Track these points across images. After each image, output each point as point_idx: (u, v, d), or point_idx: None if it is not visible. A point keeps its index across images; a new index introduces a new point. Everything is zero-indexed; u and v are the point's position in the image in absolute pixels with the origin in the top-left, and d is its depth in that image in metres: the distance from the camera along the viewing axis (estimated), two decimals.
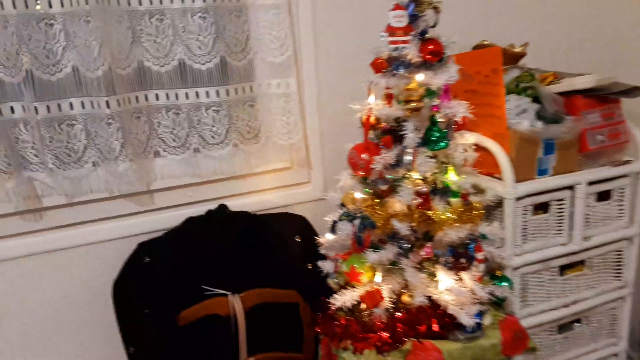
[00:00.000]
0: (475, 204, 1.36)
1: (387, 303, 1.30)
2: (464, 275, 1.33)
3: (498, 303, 1.43)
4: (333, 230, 1.39)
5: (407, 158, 1.26)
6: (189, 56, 1.38)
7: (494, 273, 1.44)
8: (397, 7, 1.25)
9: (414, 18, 1.27)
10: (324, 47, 1.59)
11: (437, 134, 1.28)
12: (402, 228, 1.24)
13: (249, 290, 1.54)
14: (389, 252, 1.30)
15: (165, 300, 1.45)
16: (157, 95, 1.41)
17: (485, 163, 1.51)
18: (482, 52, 1.52)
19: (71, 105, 1.31)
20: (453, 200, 1.32)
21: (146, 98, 1.40)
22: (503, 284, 1.41)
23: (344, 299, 1.35)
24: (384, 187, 1.28)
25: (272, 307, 1.60)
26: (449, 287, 1.27)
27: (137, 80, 1.38)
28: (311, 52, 1.57)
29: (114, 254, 1.48)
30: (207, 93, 1.42)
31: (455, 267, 1.32)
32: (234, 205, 1.58)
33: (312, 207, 1.72)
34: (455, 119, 1.29)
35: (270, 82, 1.50)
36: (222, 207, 1.56)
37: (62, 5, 1.23)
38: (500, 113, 1.47)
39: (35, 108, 1.26)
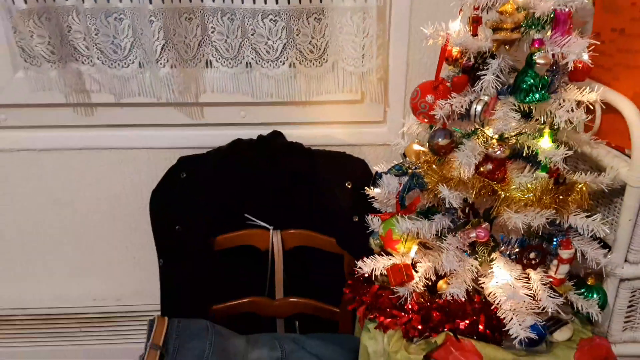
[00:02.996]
0: (578, 186, 0.99)
1: (418, 284, 1.04)
2: (533, 274, 1.01)
3: (587, 318, 1.08)
4: (374, 182, 1.14)
5: (476, 107, 0.93)
6: None
7: (584, 280, 1.08)
8: None
9: None
10: None
11: (531, 81, 0.92)
12: (451, 197, 0.95)
13: (289, 228, 1.40)
14: (433, 225, 1.02)
15: (198, 220, 1.37)
16: None
17: (616, 132, 1.10)
18: None
19: None
20: (540, 175, 0.97)
21: None
22: (592, 296, 1.05)
23: (374, 265, 1.12)
24: (443, 142, 0.98)
25: (315, 253, 1.44)
26: (502, 285, 0.97)
27: None
28: None
29: (163, 163, 1.43)
30: None
31: (520, 261, 1.00)
32: (291, 134, 1.40)
33: (385, 152, 1.47)
34: (566, 61, 0.91)
35: None
36: (275, 134, 1.39)
37: None
38: None
39: None
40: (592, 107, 1.11)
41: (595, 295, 1.05)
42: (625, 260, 1.10)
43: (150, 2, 1.17)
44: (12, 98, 1.34)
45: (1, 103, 1.34)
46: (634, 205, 1.04)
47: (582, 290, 1.06)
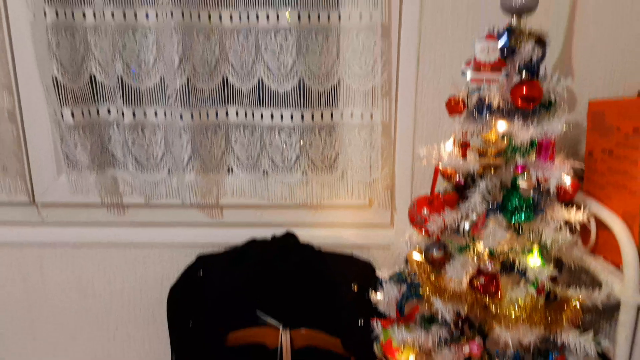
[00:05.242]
0: (572, 303, 1.02)
1: None
2: None
3: None
4: (376, 289, 1.20)
5: (464, 225, 1.00)
6: (268, 75, 1.33)
7: None
8: (489, 36, 1.01)
9: (509, 52, 1.01)
10: (425, 75, 1.39)
11: (516, 202, 0.99)
12: (444, 310, 0.99)
13: (298, 327, 1.44)
14: (429, 336, 1.05)
15: (211, 318, 1.43)
16: (237, 112, 1.40)
17: (612, 248, 1.14)
18: (625, 102, 1.13)
19: (156, 113, 1.38)
20: (530, 290, 1.01)
21: (226, 114, 1.40)
22: None
23: None
24: (437, 255, 1.05)
25: (323, 353, 1.46)
26: None
27: (220, 95, 1.38)
28: (411, 81, 1.38)
29: (183, 259, 1.53)
30: (282, 116, 1.35)
31: None
32: (303, 235, 1.48)
33: (393, 254, 1.52)
34: (548, 185, 0.99)
35: (353, 111, 1.37)
36: (288, 235, 1.47)
37: (157, 19, 1.30)
38: (635, 186, 1.08)
39: (123, 112, 1.36)
40: (587, 223, 1.16)
41: None
42: None
43: (181, 119, 1.33)
44: (54, 198, 1.49)
45: (45, 202, 1.50)
46: (630, 322, 1.05)
47: None
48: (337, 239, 1.51)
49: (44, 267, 1.57)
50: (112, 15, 1.29)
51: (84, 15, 1.32)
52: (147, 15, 1.31)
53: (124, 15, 1.30)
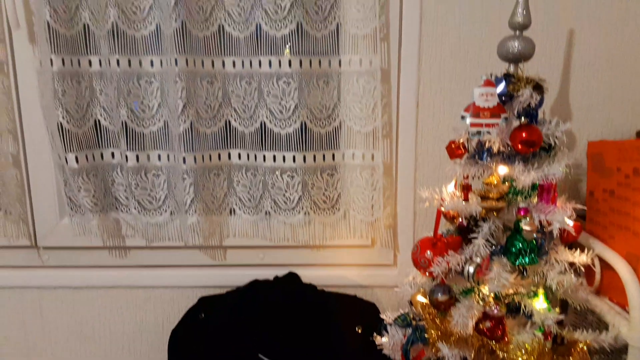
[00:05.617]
0: (579, 346, 1.01)
1: None
2: None
3: None
4: (380, 332, 1.18)
5: (469, 269, 1.00)
6: (271, 119, 1.35)
7: None
8: (487, 82, 1.03)
9: (508, 98, 1.03)
10: (425, 118, 1.41)
11: (519, 245, 0.99)
12: (450, 355, 0.98)
13: None
14: None
15: None
16: (239, 154, 1.41)
17: (617, 289, 1.13)
18: (624, 144, 1.15)
19: (159, 157, 1.40)
20: (537, 334, 1.00)
21: (229, 156, 1.42)
22: None
23: None
24: (442, 298, 1.04)
25: None
26: None
27: (223, 138, 1.40)
28: (411, 123, 1.40)
29: (185, 301, 1.52)
30: (284, 158, 1.37)
31: None
32: (306, 275, 1.47)
33: (397, 294, 1.51)
34: (551, 229, 0.99)
35: (354, 153, 1.38)
36: (290, 276, 1.47)
37: (161, 66, 1.33)
38: (638, 228, 1.08)
39: (126, 156, 1.38)
40: (591, 264, 1.16)
41: None
42: None
43: (184, 162, 1.35)
44: (56, 241, 1.49)
45: (46, 245, 1.50)
46: None
47: None
48: (340, 279, 1.51)
49: (43, 310, 1.56)
50: (118, 62, 1.32)
51: (89, 62, 1.36)
52: (151, 63, 1.34)
53: (129, 62, 1.34)
